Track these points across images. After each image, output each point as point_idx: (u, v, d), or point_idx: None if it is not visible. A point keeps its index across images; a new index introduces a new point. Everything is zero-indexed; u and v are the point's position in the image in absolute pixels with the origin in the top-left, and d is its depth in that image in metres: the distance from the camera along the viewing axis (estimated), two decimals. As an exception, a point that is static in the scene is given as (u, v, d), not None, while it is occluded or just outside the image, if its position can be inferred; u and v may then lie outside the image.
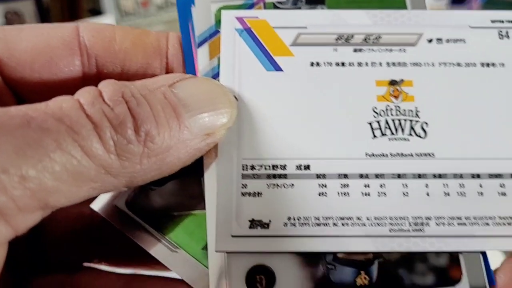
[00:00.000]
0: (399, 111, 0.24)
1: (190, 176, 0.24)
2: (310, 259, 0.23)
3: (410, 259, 0.23)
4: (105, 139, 0.19)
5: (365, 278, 0.23)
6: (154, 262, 0.24)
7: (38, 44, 0.23)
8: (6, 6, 1.07)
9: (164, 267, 0.24)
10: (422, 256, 0.23)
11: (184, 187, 0.25)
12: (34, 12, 1.10)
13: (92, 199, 0.25)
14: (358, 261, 0.23)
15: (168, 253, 0.23)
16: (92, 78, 0.24)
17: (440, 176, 0.23)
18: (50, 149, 0.17)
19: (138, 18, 1.08)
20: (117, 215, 0.24)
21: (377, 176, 0.23)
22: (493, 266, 0.23)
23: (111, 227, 0.24)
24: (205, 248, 0.23)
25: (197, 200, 0.24)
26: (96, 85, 0.20)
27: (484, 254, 0.23)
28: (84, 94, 0.19)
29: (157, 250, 0.24)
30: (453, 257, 0.23)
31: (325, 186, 0.23)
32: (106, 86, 0.20)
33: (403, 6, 0.26)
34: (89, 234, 0.27)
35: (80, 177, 0.18)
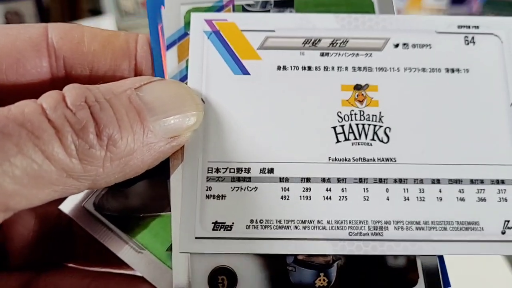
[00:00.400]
0: (363, 116, 0.24)
1: (158, 178, 0.25)
2: (271, 260, 0.23)
3: (368, 261, 0.23)
4: (66, 144, 0.19)
5: (324, 280, 0.23)
6: (121, 261, 0.24)
7: (5, 45, 0.23)
8: (6, 6, 1.06)
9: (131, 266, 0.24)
10: (380, 259, 0.23)
11: (151, 188, 0.25)
12: (34, 12, 1.09)
13: (61, 200, 0.25)
14: (318, 264, 0.23)
15: (134, 254, 0.24)
16: (60, 79, 0.24)
17: (400, 181, 0.24)
18: (11, 153, 0.18)
19: (138, 18, 1.08)
20: (85, 216, 0.25)
21: (339, 180, 0.24)
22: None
23: (78, 226, 0.25)
24: (169, 249, 0.24)
25: (164, 202, 0.24)
26: (64, 87, 0.20)
27: (440, 257, 0.23)
28: (47, 99, 0.20)
29: (123, 251, 0.24)
30: (411, 260, 0.23)
31: (288, 190, 0.23)
32: (70, 91, 0.20)
33: (372, 11, 0.26)
34: (56, 233, 0.27)
35: (41, 180, 0.19)
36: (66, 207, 0.26)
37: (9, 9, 1.06)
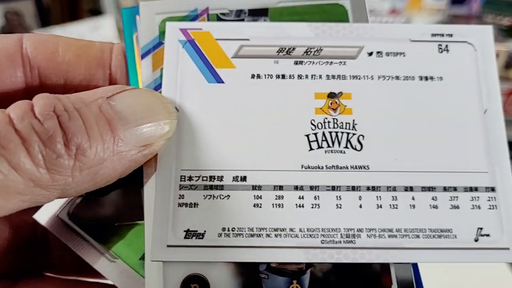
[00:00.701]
0: (337, 124, 0.24)
1: (132, 187, 0.25)
2: (243, 268, 0.23)
3: (342, 268, 0.23)
4: (33, 153, 0.19)
5: (297, 287, 0.23)
6: (96, 270, 0.24)
7: None
8: (6, 6, 1.07)
9: (106, 275, 0.24)
10: (354, 266, 0.23)
11: (125, 197, 0.25)
12: (34, 12, 1.10)
13: (36, 208, 0.25)
14: (291, 271, 0.23)
15: (107, 263, 0.24)
16: (35, 89, 0.24)
17: (373, 188, 0.24)
18: None
19: None
20: (59, 226, 0.25)
21: (311, 188, 0.24)
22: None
23: (54, 235, 0.25)
24: (142, 258, 0.24)
25: (138, 211, 0.24)
26: None
27: (414, 263, 0.23)
28: (15, 109, 0.20)
29: (96, 260, 0.24)
30: (384, 266, 0.23)
31: (260, 198, 0.23)
32: (38, 101, 0.20)
33: (346, 19, 0.26)
34: (31, 242, 0.27)
35: (8, 190, 0.19)
36: (41, 217, 0.26)
37: (9, 9, 1.07)
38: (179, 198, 0.23)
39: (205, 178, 0.24)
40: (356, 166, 0.24)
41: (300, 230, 0.23)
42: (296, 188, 0.24)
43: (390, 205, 0.23)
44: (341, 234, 0.23)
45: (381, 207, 0.23)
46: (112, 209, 0.25)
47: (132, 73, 0.25)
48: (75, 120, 0.20)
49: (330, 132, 0.24)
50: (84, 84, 0.25)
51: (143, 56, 0.25)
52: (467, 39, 0.26)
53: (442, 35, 0.26)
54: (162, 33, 0.25)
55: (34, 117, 0.20)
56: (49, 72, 0.24)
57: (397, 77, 0.25)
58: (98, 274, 0.24)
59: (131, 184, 0.25)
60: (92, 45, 0.25)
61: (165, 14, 0.26)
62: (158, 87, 0.25)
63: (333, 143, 0.24)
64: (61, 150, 0.20)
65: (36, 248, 0.28)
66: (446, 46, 0.25)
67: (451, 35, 0.26)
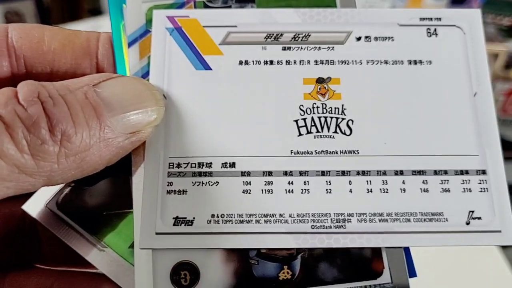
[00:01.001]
0: (326, 109, 0.24)
1: (121, 176, 0.25)
2: (233, 254, 0.23)
3: (332, 253, 0.23)
4: (17, 139, 0.19)
5: (288, 273, 0.23)
6: (86, 260, 0.24)
7: None
8: (6, 6, 1.06)
9: (96, 264, 0.24)
10: (344, 250, 0.23)
11: (114, 186, 0.25)
12: (34, 12, 1.10)
13: (25, 199, 0.25)
14: (281, 256, 0.23)
15: (97, 252, 0.24)
16: (21, 79, 0.24)
17: (363, 173, 0.24)
18: None
19: None
20: (48, 216, 0.25)
21: (301, 173, 0.23)
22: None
23: (43, 226, 0.25)
24: (132, 246, 0.24)
25: (127, 200, 0.24)
26: None
27: (406, 247, 0.23)
28: None
29: (86, 250, 0.24)
30: (376, 250, 0.23)
31: (250, 184, 0.23)
32: (22, 87, 0.20)
33: (333, 4, 0.26)
34: (20, 233, 0.27)
35: None
36: (29, 207, 0.25)
37: (9, 9, 1.06)
38: (168, 185, 0.23)
39: (193, 165, 0.23)
40: (345, 150, 0.24)
41: (290, 216, 0.23)
42: (285, 173, 0.23)
43: (380, 189, 0.23)
44: (331, 219, 0.23)
45: (371, 191, 0.23)
46: (101, 198, 0.25)
47: (119, 61, 0.25)
48: (60, 106, 0.20)
49: (319, 117, 0.24)
50: (71, 73, 0.25)
51: (130, 45, 0.25)
52: (456, 22, 0.25)
53: (431, 19, 0.25)
54: (149, 21, 0.25)
55: (18, 103, 0.19)
56: (35, 62, 0.24)
57: (386, 62, 0.25)
58: (88, 264, 0.24)
59: (120, 173, 0.25)
60: (78, 34, 0.25)
61: (152, 2, 0.26)
62: (145, 75, 0.25)
63: (322, 128, 0.24)
64: (45, 135, 0.19)
65: (25, 239, 0.27)
66: (435, 30, 0.25)
67: (439, 19, 0.25)
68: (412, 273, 0.23)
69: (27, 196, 0.25)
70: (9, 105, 0.19)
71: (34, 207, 0.25)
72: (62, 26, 0.24)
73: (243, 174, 0.23)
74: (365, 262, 0.23)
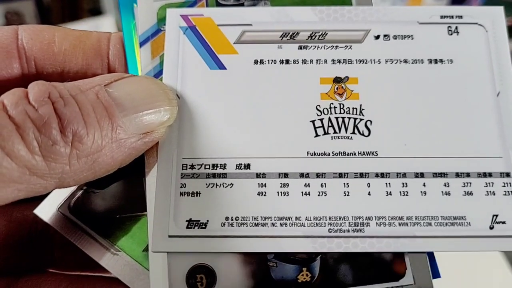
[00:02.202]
0: (343, 109, 0.24)
1: (134, 178, 0.24)
2: (251, 256, 0.22)
3: (352, 254, 0.22)
4: (28, 140, 0.18)
5: (307, 275, 0.22)
6: (99, 264, 0.24)
7: None
8: (6, 6, 1.07)
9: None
10: (365, 251, 0.22)
11: (127, 189, 0.24)
12: (34, 12, 1.10)
13: (37, 204, 0.25)
14: (300, 258, 0.22)
15: (110, 256, 0.23)
16: (32, 80, 0.24)
17: (382, 175, 0.23)
18: None
19: None
20: (60, 220, 0.24)
21: (318, 175, 0.23)
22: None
23: (55, 230, 0.24)
24: (146, 250, 0.23)
25: (140, 202, 0.24)
26: None
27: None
28: (9, 96, 0.19)
29: (99, 253, 0.23)
30: (398, 252, 0.22)
31: (265, 186, 0.23)
32: (33, 87, 0.20)
33: (348, 2, 0.25)
34: (33, 238, 0.27)
35: (2, 178, 0.18)
36: (41, 211, 0.25)
37: (9, 9, 1.07)
38: (181, 187, 0.23)
39: (207, 166, 0.23)
40: (364, 152, 0.23)
41: (307, 219, 0.22)
42: (301, 175, 0.23)
43: (400, 192, 0.23)
44: (349, 223, 0.22)
45: (390, 194, 0.22)
46: (113, 201, 0.24)
47: (131, 61, 0.25)
48: (71, 107, 0.20)
49: (337, 118, 0.23)
50: (82, 74, 0.24)
51: (141, 44, 0.25)
52: (478, 20, 0.25)
53: (452, 17, 0.25)
54: (160, 20, 0.25)
55: (28, 103, 0.19)
56: (46, 63, 0.24)
57: (405, 61, 0.24)
58: (101, 268, 0.24)
59: (132, 175, 0.24)
60: (89, 35, 0.25)
61: (163, 1, 0.25)
62: (157, 74, 0.24)
63: (339, 129, 0.23)
64: (56, 136, 0.19)
65: (37, 243, 0.27)
66: (456, 28, 0.25)
67: (461, 17, 0.25)
68: (436, 274, 0.22)
69: (39, 200, 0.25)
70: (20, 105, 0.19)
71: (46, 211, 0.25)
72: (62, 26, 0.23)
73: (258, 175, 0.23)
74: (386, 263, 0.22)
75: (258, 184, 0.23)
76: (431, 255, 0.22)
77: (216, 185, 0.23)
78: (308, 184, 0.23)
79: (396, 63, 0.24)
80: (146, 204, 0.23)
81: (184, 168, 0.23)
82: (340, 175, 0.23)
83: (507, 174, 0.23)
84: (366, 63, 0.24)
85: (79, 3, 1.16)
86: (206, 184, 0.23)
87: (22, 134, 0.18)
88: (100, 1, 1.11)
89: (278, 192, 0.23)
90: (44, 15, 1.11)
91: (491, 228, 0.22)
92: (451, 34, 0.24)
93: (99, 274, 0.25)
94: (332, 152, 0.23)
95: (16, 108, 0.18)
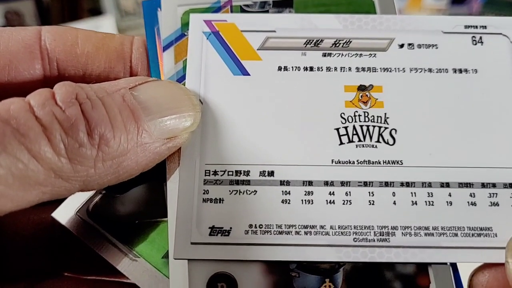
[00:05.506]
0: (368, 117, 0.23)
1: (154, 183, 0.24)
2: (273, 266, 0.22)
3: (376, 266, 0.22)
4: (54, 142, 0.18)
5: (330, 286, 0.22)
6: (117, 269, 0.23)
7: None
8: (6, 6, 1.07)
9: (126, 274, 0.23)
10: (389, 263, 0.22)
11: (147, 194, 0.24)
12: (34, 12, 1.10)
13: (55, 207, 0.24)
14: (323, 269, 0.22)
15: (128, 262, 0.23)
16: (54, 81, 0.23)
17: (408, 184, 0.23)
18: None
19: (138, 18, 1.08)
20: (78, 224, 0.24)
21: (342, 183, 0.23)
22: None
23: (72, 234, 0.24)
24: (165, 256, 0.23)
25: (160, 208, 0.23)
26: None
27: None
28: (35, 96, 0.19)
29: (117, 259, 0.23)
30: (422, 264, 0.22)
31: (289, 193, 0.22)
32: (60, 88, 0.19)
33: (372, 10, 0.25)
34: (50, 241, 0.26)
35: (28, 181, 0.18)
36: (59, 215, 0.25)
37: (9, 9, 1.07)
38: (204, 193, 0.22)
39: (230, 173, 0.23)
40: (389, 161, 0.23)
41: (331, 228, 0.22)
42: (326, 183, 0.22)
43: (425, 201, 0.22)
44: (374, 232, 0.22)
45: (416, 203, 0.22)
46: (133, 206, 0.24)
47: (153, 65, 0.24)
48: (98, 109, 0.19)
49: (361, 126, 0.23)
50: (104, 77, 0.24)
51: (165, 48, 0.24)
52: (502, 31, 0.25)
53: (476, 27, 0.25)
54: (184, 25, 0.25)
55: (55, 104, 0.19)
56: (68, 65, 0.24)
57: (430, 70, 0.24)
58: (119, 273, 0.23)
59: (152, 180, 0.24)
60: (112, 38, 0.24)
61: (187, 6, 0.25)
62: (180, 79, 0.24)
63: (364, 137, 0.23)
64: (83, 139, 0.19)
65: (54, 247, 0.26)
66: (480, 38, 0.24)
67: (485, 27, 0.25)
68: (460, 287, 0.22)
69: (57, 203, 0.24)
70: (47, 106, 0.18)
71: (64, 214, 0.24)
72: (62, 26, 0.23)
73: (282, 183, 0.22)
74: (410, 276, 0.22)
75: (282, 191, 0.22)
76: (454, 268, 0.22)
77: (240, 192, 0.22)
78: (333, 192, 0.22)
79: (420, 72, 0.24)
80: (165, 210, 0.23)
81: (207, 174, 0.23)
82: (365, 184, 0.22)
83: None
84: (390, 71, 0.24)
85: (79, 3, 1.16)
86: (229, 191, 0.22)
87: (49, 136, 0.18)
88: (100, 1, 1.11)
89: (302, 200, 0.22)
90: (44, 15, 1.11)
91: (518, 239, 0.22)
92: (475, 44, 0.24)
93: (116, 279, 0.25)
94: (357, 161, 0.23)
95: (43, 109, 0.18)
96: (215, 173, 0.23)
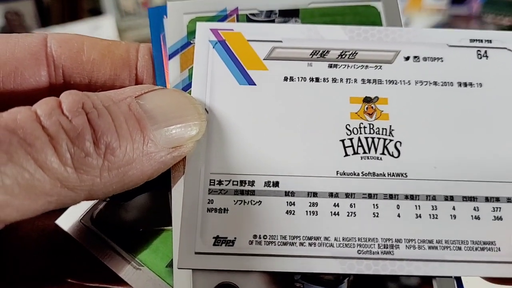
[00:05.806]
0: (373, 129, 0.23)
1: (158, 191, 0.24)
2: (277, 277, 0.22)
3: (380, 277, 0.22)
4: (61, 152, 0.18)
5: None
6: (120, 277, 0.23)
7: (2, 54, 0.22)
8: (6, 6, 1.07)
9: (129, 282, 0.23)
10: (392, 276, 0.22)
11: (151, 202, 0.24)
12: (34, 12, 1.10)
13: (59, 213, 0.24)
14: (327, 280, 0.22)
15: (132, 270, 0.23)
16: (59, 88, 0.23)
17: (412, 197, 0.23)
18: (0, 161, 0.17)
19: (138, 18, 1.08)
20: (82, 231, 0.24)
21: (347, 195, 0.23)
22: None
23: (76, 240, 0.24)
24: (169, 265, 0.23)
25: (164, 216, 0.23)
26: None
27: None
28: (42, 105, 0.19)
29: (121, 267, 0.23)
30: (426, 276, 0.22)
31: (294, 204, 0.22)
32: (66, 97, 0.19)
33: (378, 21, 0.25)
34: (54, 248, 0.26)
35: (34, 190, 0.17)
36: (63, 221, 0.24)
37: (9, 9, 1.07)
38: (208, 203, 0.22)
39: (235, 183, 0.23)
40: (393, 173, 0.23)
41: (336, 239, 0.22)
42: (331, 195, 0.22)
43: (430, 214, 0.22)
44: (378, 244, 0.22)
45: (420, 216, 0.22)
46: (137, 214, 0.24)
47: (159, 73, 0.24)
48: (105, 118, 0.19)
49: (366, 138, 0.23)
50: (109, 84, 0.24)
51: (170, 56, 0.24)
52: (507, 45, 0.25)
53: (481, 40, 0.25)
54: (190, 33, 0.25)
55: (62, 113, 0.19)
56: (74, 72, 0.24)
57: (435, 83, 0.24)
58: (121, 282, 0.23)
59: (157, 188, 0.24)
60: (117, 45, 0.24)
61: (193, 14, 0.25)
62: (186, 87, 0.24)
63: (369, 149, 0.23)
64: (89, 148, 0.19)
65: (57, 253, 0.26)
66: (485, 52, 0.25)
67: (490, 41, 0.25)
68: (464, 301, 0.22)
69: (62, 209, 0.24)
70: (53, 115, 0.18)
71: (67, 221, 0.24)
72: (62, 26, 0.23)
73: (286, 194, 0.22)
74: (414, 287, 0.22)
75: (287, 202, 0.22)
76: (459, 281, 0.22)
77: (244, 202, 0.22)
78: (337, 204, 0.22)
79: (426, 84, 0.24)
80: (169, 218, 0.23)
81: (211, 183, 0.23)
82: (370, 196, 0.22)
83: None
84: (396, 83, 0.24)
85: (79, 3, 1.16)
86: (234, 201, 0.22)
87: (56, 145, 0.18)
88: (100, 1, 1.11)
89: (307, 211, 0.22)
90: (44, 15, 1.11)
91: (521, 254, 0.22)
92: (481, 58, 0.24)
93: (118, 287, 0.25)
94: (362, 172, 0.23)
95: (50, 119, 0.18)
96: (220, 182, 0.23)
